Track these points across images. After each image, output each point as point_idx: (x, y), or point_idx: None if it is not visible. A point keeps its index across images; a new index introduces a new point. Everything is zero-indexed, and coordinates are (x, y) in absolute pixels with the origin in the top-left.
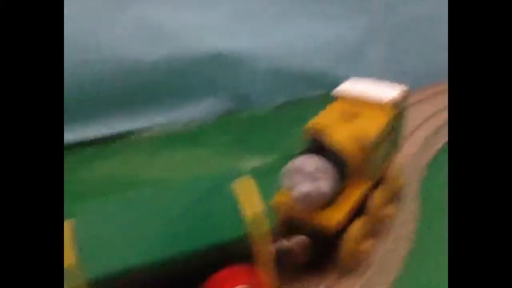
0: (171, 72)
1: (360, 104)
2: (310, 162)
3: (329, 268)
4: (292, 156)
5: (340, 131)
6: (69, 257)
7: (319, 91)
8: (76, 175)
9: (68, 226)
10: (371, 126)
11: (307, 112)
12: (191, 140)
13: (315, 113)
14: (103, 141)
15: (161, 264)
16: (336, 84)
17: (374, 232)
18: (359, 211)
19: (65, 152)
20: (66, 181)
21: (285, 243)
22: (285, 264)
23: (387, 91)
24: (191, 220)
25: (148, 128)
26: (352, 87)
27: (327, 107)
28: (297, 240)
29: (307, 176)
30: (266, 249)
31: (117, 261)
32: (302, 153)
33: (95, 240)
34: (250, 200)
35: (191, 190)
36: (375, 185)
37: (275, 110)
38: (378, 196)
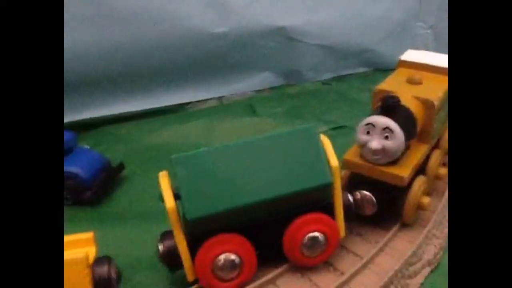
0: (234, 44)
1: (423, 71)
2: (381, 121)
3: (391, 222)
4: (340, 128)
5: (407, 94)
6: (169, 200)
7: (365, 68)
8: (145, 142)
9: (163, 175)
10: (435, 91)
11: (352, 88)
12: (248, 110)
13: (360, 89)
14: (168, 110)
15: (255, 206)
16: (382, 61)
17: (431, 190)
18: (419, 170)
19: (134, 120)
20: (136, 146)
21: (355, 196)
22: (351, 216)
23: (444, 60)
24: (282, 167)
25: (209, 98)
26: (413, 56)
27: (393, 74)
28: (364, 195)
29: (378, 134)
30: (341, 200)
31: (216, 202)
32: (373, 113)
33: (196, 184)
34: (331, 154)
35: (281, 141)
36: (433, 148)
37: (322, 85)
38: (435, 158)
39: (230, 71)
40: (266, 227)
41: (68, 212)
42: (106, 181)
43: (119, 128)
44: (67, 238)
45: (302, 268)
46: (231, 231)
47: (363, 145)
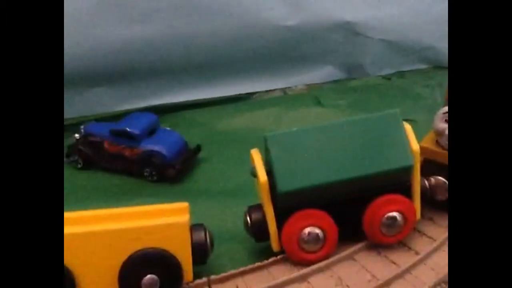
0: (302, 37)
1: None
2: None
3: None
4: (407, 121)
5: None
6: (262, 175)
7: (425, 65)
8: (217, 127)
9: (256, 152)
10: None
11: (414, 83)
12: (313, 101)
13: (422, 85)
14: (237, 98)
15: (341, 184)
16: (443, 59)
17: None
18: None
19: (206, 106)
20: (210, 131)
21: (430, 181)
22: (425, 200)
23: None
24: (368, 148)
25: (274, 89)
26: None
27: None
28: (438, 180)
29: None
30: (419, 183)
31: (306, 178)
32: None
33: (287, 160)
34: (412, 138)
35: (367, 124)
36: None
37: (383, 80)
38: None
39: (295, 63)
40: (347, 205)
41: (153, 188)
42: (187, 160)
43: (193, 114)
44: (164, 207)
45: (379, 246)
46: (316, 206)
47: (442, 133)
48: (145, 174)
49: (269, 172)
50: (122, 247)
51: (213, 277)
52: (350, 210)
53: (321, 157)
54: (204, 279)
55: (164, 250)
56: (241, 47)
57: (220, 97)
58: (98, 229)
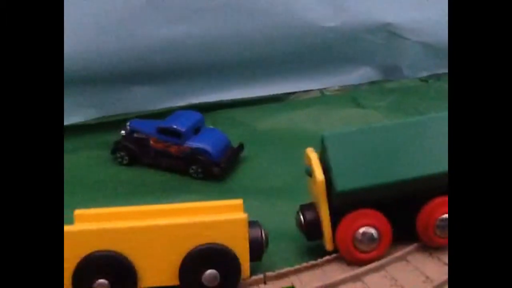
0: (342, 38)
1: None
2: None
3: None
4: None
5: None
6: (320, 174)
7: None
8: (257, 126)
9: (311, 151)
10: None
11: None
12: (351, 102)
13: None
14: (275, 98)
15: (398, 184)
16: None
17: None
18: None
19: (245, 106)
20: (250, 130)
21: None
22: None
23: None
24: (425, 149)
25: (311, 89)
26: None
27: None
28: None
29: None
30: None
31: (364, 178)
32: None
33: (346, 160)
34: None
35: (424, 125)
36: None
37: (421, 82)
38: None
39: (333, 64)
40: (402, 206)
41: (197, 185)
42: (231, 158)
43: (233, 113)
44: (219, 203)
45: (431, 248)
46: (371, 206)
47: None
48: (191, 171)
49: (325, 171)
50: (183, 242)
51: (269, 273)
52: (404, 211)
53: (378, 157)
54: (260, 276)
55: (224, 246)
56: (281, 47)
57: (258, 97)
58: (160, 223)
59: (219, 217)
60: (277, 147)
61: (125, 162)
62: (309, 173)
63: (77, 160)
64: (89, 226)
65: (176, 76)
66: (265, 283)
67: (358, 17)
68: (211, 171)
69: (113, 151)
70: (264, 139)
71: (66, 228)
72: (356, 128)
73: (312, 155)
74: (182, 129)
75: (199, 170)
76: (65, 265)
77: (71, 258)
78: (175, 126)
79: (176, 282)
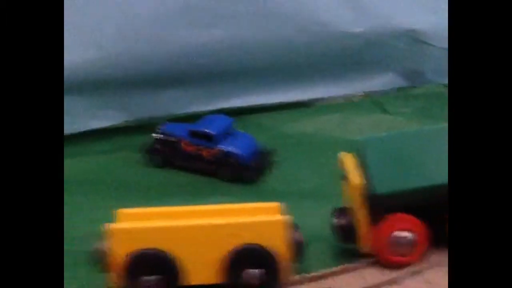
0: (367, 44)
1: None
2: None
3: None
4: None
5: None
6: (357, 177)
7: None
8: (284, 131)
9: (346, 156)
10: None
11: None
12: (377, 108)
13: None
14: (300, 104)
15: (434, 189)
16: None
17: None
18: None
19: (270, 111)
20: (277, 135)
21: None
22: None
23: None
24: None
25: (336, 96)
26: None
27: None
28: None
29: None
30: None
31: (402, 181)
32: None
33: (383, 163)
34: None
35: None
36: None
37: (445, 88)
38: None
39: (357, 70)
40: (439, 211)
41: (228, 188)
42: (261, 162)
43: (258, 118)
44: (257, 205)
45: None
46: (408, 211)
47: None
48: (221, 174)
49: (361, 176)
50: (226, 241)
51: (307, 275)
52: (441, 216)
53: (414, 161)
54: (299, 277)
55: (266, 247)
56: (305, 53)
57: (283, 102)
58: (204, 223)
59: (261, 218)
60: (305, 152)
61: (156, 164)
62: (345, 177)
63: (110, 162)
64: (136, 224)
65: (205, 81)
66: (303, 284)
67: (383, 22)
68: (242, 174)
69: (145, 153)
70: (291, 144)
71: (113, 226)
72: (391, 133)
73: (348, 159)
74: (214, 132)
75: (230, 173)
76: (112, 262)
77: (118, 255)
78: (207, 130)
79: (219, 280)
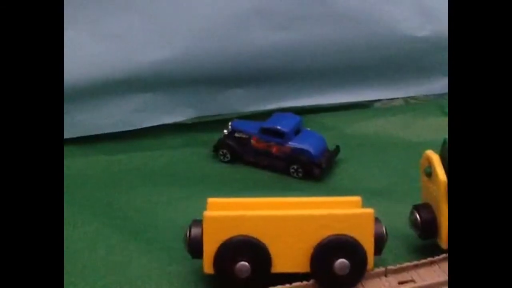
0: (430, 48)
1: None
2: None
3: None
4: None
5: None
6: (443, 175)
7: None
8: (347, 131)
9: (432, 153)
10: None
11: None
12: (438, 111)
13: None
14: (361, 105)
15: None
16: None
17: None
18: None
19: (333, 111)
20: (340, 135)
21: None
22: None
23: None
24: None
25: (396, 98)
26: None
27: None
28: None
29: None
30: None
31: None
32: None
33: None
34: None
35: None
36: None
37: None
38: None
39: (419, 73)
40: None
41: (297, 184)
42: (330, 159)
43: (321, 118)
44: (339, 199)
45: None
46: None
47: None
48: (291, 171)
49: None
50: (315, 232)
51: (390, 267)
52: None
53: None
54: (382, 269)
55: (353, 238)
56: (370, 55)
57: (343, 103)
58: (294, 213)
59: (349, 210)
60: (368, 151)
61: (226, 159)
62: (429, 174)
63: (183, 156)
64: (230, 213)
65: (271, 81)
66: (386, 275)
67: (447, 27)
68: (311, 171)
69: (215, 149)
70: (354, 144)
71: (208, 213)
72: None
73: (434, 156)
74: (286, 129)
75: (300, 170)
76: (206, 248)
77: (212, 242)
78: (279, 127)
79: (306, 269)
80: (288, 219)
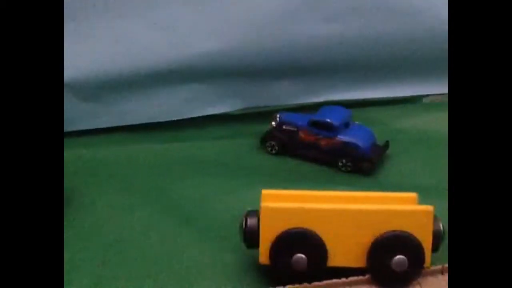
0: None
1: None
2: None
3: None
4: None
5: None
6: None
7: None
8: (391, 126)
9: None
10: None
11: None
12: None
13: None
14: (405, 100)
15: None
16: None
17: None
18: None
19: (377, 106)
20: (385, 129)
21: None
22: None
23: None
24: None
25: (438, 94)
26: None
27: None
28: None
29: None
30: None
31: None
32: None
33: None
34: None
35: None
36: None
37: None
38: None
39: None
40: None
41: (345, 178)
42: (380, 154)
43: (368, 112)
44: (395, 195)
45: None
46: None
47: None
48: (339, 164)
49: None
50: (372, 227)
51: (446, 265)
52: None
53: None
54: (439, 266)
55: (412, 234)
56: (420, 49)
57: (392, 97)
58: (352, 207)
59: (409, 207)
60: (417, 147)
61: (274, 151)
62: None
63: (231, 147)
64: (288, 205)
65: (319, 73)
66: (442, 273)
67: None
68: (360, 165)
69: (263, 140)
70: (403, 139)
71: (264, 204)
72: None
73: None
74: (336, 122)
75: (348, 163)
76: (262, 239)
77: (268, 233)
78: (328, 120)
79: (362, 264)
80: (346, 213)
